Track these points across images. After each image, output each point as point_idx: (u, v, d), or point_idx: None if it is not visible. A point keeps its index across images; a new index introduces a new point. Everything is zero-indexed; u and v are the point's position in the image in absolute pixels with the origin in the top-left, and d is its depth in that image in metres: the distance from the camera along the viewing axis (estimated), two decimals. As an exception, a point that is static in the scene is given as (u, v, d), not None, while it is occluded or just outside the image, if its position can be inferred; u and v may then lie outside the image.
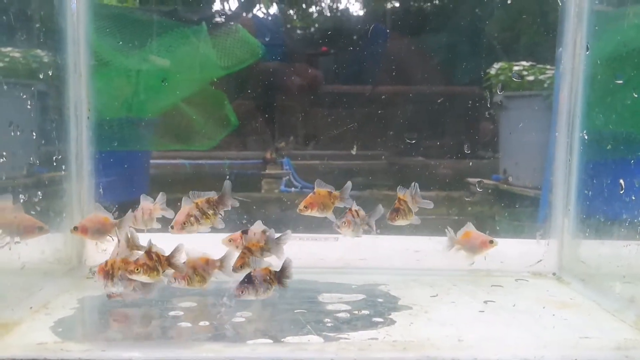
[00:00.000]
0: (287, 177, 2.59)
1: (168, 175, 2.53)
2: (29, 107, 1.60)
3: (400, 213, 1.67)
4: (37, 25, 1.63)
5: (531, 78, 2.28)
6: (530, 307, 1.63)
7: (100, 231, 1.57)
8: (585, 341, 1.36)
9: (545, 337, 1.39)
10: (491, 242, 1.78)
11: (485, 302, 1.66)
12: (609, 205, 1.74)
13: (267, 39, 2.38)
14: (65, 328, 1.41)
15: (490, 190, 2.42)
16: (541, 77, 2.29)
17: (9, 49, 1.51)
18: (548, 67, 2.28)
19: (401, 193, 1.70)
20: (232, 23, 2.34)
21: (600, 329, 1.46)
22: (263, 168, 2.61)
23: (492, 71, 2.35)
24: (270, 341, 1.33)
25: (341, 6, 2.54)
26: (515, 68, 2.31)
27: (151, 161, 2.44)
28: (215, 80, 2.38)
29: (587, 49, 1.82)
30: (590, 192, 1.82)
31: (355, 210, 1.66)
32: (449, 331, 1.42)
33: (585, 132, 1.85)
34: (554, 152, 2.01)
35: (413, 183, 1.72)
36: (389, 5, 2.57)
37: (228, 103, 2.37)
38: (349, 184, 1.69)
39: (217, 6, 2.49)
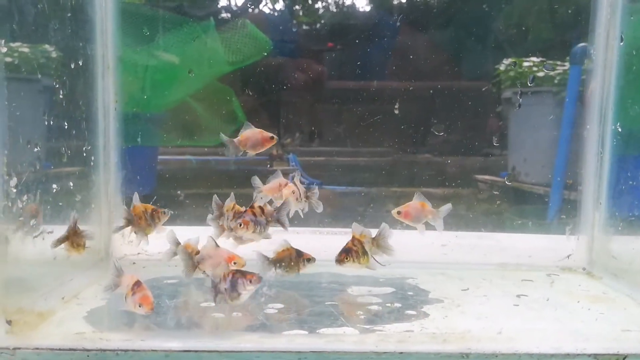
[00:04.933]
0: (294, 173, 2.58)
1: (174, 171, 2.53)
2: (60, 97, 1.60)
3: (351, 254, 1.48)
4: (69, 14, 1.62)
5: (541, 74, 2.26)
6: (563, 301, 1.61)
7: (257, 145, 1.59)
8: (627, 334, 1.34)
9: (584, 330, 1.37)
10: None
11: (518, 296, 1.64)
12: (643, 200, 1.72)
13: (274, 35, 2.37)
14: (98, 318, 1.41)
15: (499, 187, 2.41)
16: (552, 73, 2.27)
17: (43, 38, 1.51)
18: (559, 62, 2.26)
19: (357, 232, 1.52)
20: (240, 18, 2.33)
21: (639, 323, 1.44)
22: (270, 164, 2.60)
23: (502, 67, 2.34)
24: (306, 332, 1.32)
25: (347, 1, 2.53)
26: (525, 64, 2.29)
27: (159, 157, 2.44)
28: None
29: (622, 39, 1.80)
30: (623, 187, 1.80)
31: (260, 207, 1.49)
32: (485, 324, 1.40)
33: (618, 124, 1.82)
34: (584, 145, 1.98)
35: (382, 224, 1.54)
36: (395, 1, 2.55)
37: (235, 99, 2.37)
38: (448, 205, 1.62)
39: (224, 1, 2.48)
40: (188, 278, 1.48)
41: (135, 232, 1.64)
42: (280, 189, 1.61)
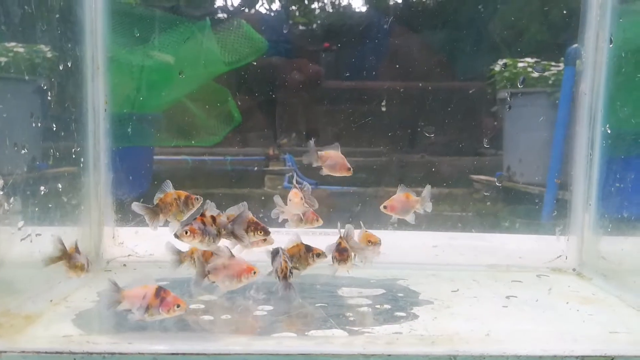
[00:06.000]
0: (290, 173, 2.58)
1: (170, 171, 2.52)
2: (49, 98, 1.59)
3: (348, 253, 1.51)
4: (57, 16, 1.61)
5: (535, 75, 2.27)
6: (553, 303, 1.61)
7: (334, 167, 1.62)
8: (615, 336, 1.34)
9: (573, 332, 1.38)
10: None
11: (508, 297, 1.64)
12: (632, 201, 1.72)
13: (270, 35, 2.37)
14: (86, 321, 1.40)
15: (494, 188, 2.42)
16: (546, 73, 2.28)
17: (30, 39, 1.50)
18: (553, 63, 2.27)
19: (342, 232, 1.55)
20: (236, 19, 2.33)
21: (627, 324, 1.45)
22: (266, 164, 2.60)
23: (497, 68, 2.34)
24: (295, 335, 1.32)
25: (344, 2, 2.53)
26: (520, 65, 2.30)
27: (154, 157, 2.44)
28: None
29: (611, 41, 1.80)
30: (612, 188, 1.80)
31: (212, 216, 1.39)
32: (474, 326, 1.40)
33: (608, 126, 1.82)
34: (573, 147, 1.99)
35: (346, 225, 1.57)
36: (391, 1, 2.55)
37: (231, 99, 2.36)
38: (428, 187, 1.62)
39: (220, 2, 2.48)
40: (197, 286, 1.44)
41: (167, 220, 1.57)
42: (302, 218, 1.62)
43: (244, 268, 1.39)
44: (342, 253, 1.51)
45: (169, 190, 1.52)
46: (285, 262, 1.45)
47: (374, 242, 1.61)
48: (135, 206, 1.50)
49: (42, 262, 1.41)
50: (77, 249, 1.49)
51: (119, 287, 1.28)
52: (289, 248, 1.56)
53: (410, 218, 1.67)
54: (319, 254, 1.57)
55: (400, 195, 1.65)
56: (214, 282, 1.41)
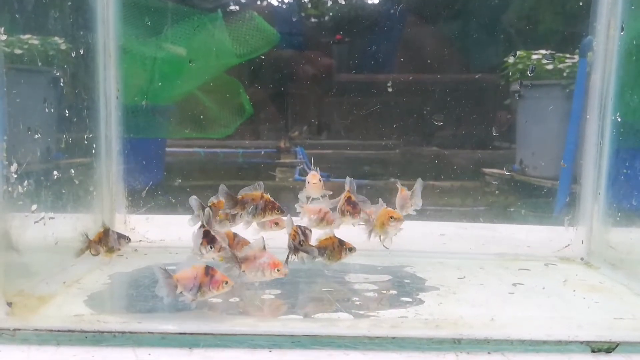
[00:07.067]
0: (301, 166, 2.59)
1: (183, 162, 2.55)
2: (61, 85, 1.62)
3: (359, 207, 1.60)
4: (69, 3, 1.64)
5: (550, 67, 2.25)
6: (559, 290, 1.61)
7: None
8: (620, 322, 1.34)
9: (578, 318, 1.38)
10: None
11: (514, 284, 1.65)
12: (642, 190, 1.71)
13: (282, 27, 2.38)
14: (98, 302, 1.44)
15: (505, 181, 2.41)
16: (560, 65, 2.25)
17: (43, 25, 1.53)
18: (568, 55, 2.24)
19: (347, 187, 1.64)
20: (248, 11, 2.34)
21: (633, 311, 1.44)
22: (277, 157, 2.61)
23: (510, 60, 2.32)
24: (301, 317, 1.34)
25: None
26: (534, 57, 2.28)
27: (166, 149, 2.46)
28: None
29: (622, 29, 1.78)
30: (622, 177, 1.79)
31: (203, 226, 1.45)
32: (479, 311, 1.41)
33: (618, 114, 1.81)
34: (583, 136, 1.98)
35: (347, 178, 1.64)
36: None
37: (243, 91, 2.37)
38: (419, 180, 1.68)
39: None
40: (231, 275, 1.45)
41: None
42: (321, 214, 1.68)
43: (273, 263, 1.41)
44: (354, 206, 1.57)
45: (222, 199, 1.58)
46: (296, 231, 1.51)
47: (396, 218, 1.63)
48: (194, 200, 1.56)
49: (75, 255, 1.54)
50: (106, 232, 1.59)
51: (170, 273, 1.28)
52: (322, 240, 1.58)
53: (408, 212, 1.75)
54: (351, 248, 1.59)
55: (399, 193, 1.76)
56: (243, 270, 1.42)
